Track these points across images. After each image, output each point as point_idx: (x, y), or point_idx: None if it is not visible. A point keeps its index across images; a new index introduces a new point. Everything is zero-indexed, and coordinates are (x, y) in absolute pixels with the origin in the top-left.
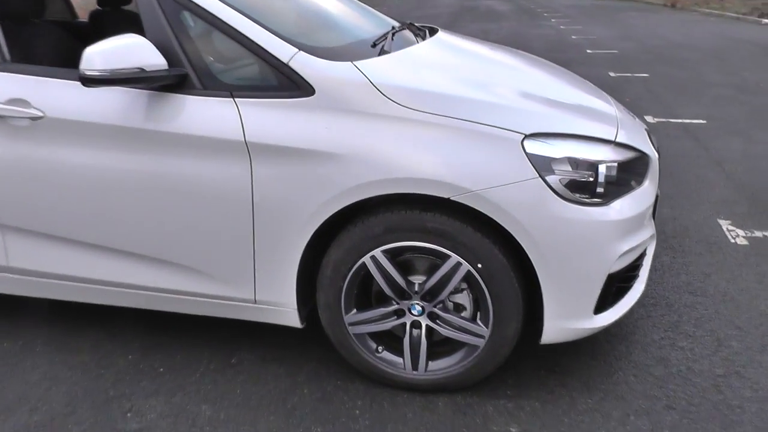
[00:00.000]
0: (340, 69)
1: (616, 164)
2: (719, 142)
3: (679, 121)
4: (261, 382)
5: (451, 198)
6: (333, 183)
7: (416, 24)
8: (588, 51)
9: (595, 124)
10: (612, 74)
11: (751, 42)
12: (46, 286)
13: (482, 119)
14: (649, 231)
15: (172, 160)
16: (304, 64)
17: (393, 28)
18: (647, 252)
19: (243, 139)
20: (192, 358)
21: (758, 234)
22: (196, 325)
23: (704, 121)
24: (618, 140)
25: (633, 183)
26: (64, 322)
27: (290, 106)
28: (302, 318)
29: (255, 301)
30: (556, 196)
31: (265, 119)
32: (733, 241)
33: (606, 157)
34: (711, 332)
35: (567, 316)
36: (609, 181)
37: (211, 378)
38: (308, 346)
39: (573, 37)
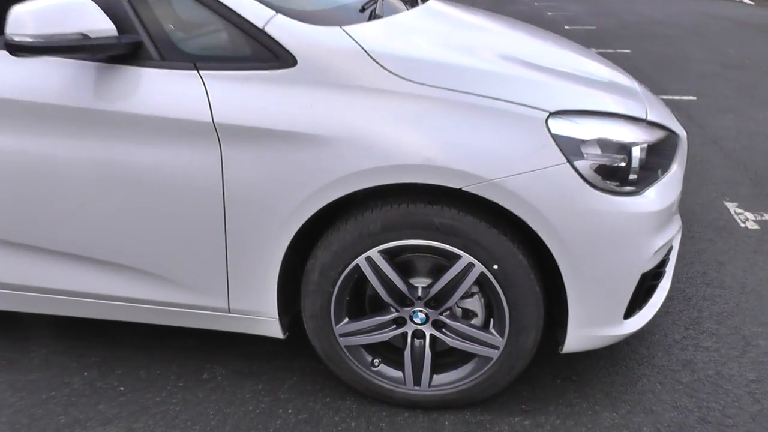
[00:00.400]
0: (327, 35)
1: (646, 146)
2: (712, 119)
3: (669, 97)
4: (237, 402)
5: (464, 189)
6: (319, 172)
7: None
8: (566, 27)
9: (623, 100)
10: (593, 50)
11: (731, 19)
12: None
13: (499, 94)
14: (677, 223)
15: (125, 146)
16: (282, 29)
17: None
18: (674, 245)
19: (210, 120)
20: (158, 374)
21: None
22: (163, 334)
23: (694, 98)
24: (649, 118)
25: (662, 167)
26: (8, 336)
27: (266, 79)
28: (284, 327)
29: (229, 310)
30: (586, 184)
31: (236, 96)
32: (743, 225)
33: (638, 138)
34: (735, 330)
35: (594, 323)
36: (642, 166)
37: (181, 397)
38: (291, 357)
39: (549, 13)
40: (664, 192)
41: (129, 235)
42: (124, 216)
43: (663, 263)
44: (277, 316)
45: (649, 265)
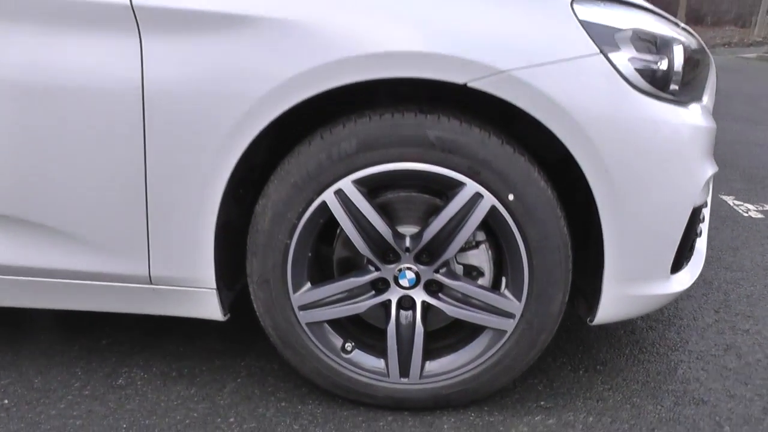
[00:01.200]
0: None
1: (688, 49)
2: None
3: None
4: (160, 411)
5: (470, 84)
6: (269, 69)
7: None
8: None
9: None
10: None
11: None
12: None
13: None
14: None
15: (6, 40)
16: None
17: None
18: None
19: (128, 1)
20: (57, 382)
21: None
22: (67, 331)
23: None
24: (683, 25)
25: (697, 90)
26: None
27: None
28: (225, 305)
29: (150, 279)
30: (624, 82)
31: None
32: (746, 215)
33: (679, 36)
34: None
35: (636, 276)
36: (685, 72)
37: (85, 409)
38: (234, 355)
39: None
40: (705, 114)
41: (8, 167)
42: (1, 137)
43: (701, 217)
44: (215, 284)
45: (700, 199)
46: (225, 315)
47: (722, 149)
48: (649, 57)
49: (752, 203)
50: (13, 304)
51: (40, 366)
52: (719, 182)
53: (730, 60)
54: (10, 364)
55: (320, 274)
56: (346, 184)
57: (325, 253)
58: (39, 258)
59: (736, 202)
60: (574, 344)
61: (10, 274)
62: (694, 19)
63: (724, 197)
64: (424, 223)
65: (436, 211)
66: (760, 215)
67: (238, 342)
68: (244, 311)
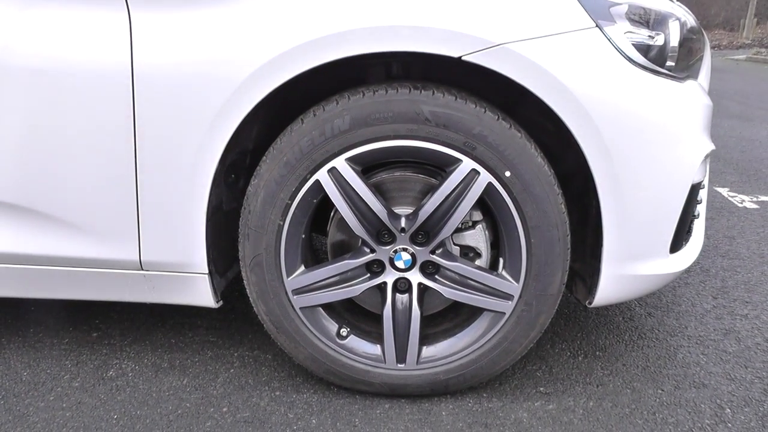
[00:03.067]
0: None
1: (685, 25)
2: None
3: None
4: (152, 402)
5: (464, 57)
6: (257, 44)
7: None
8: None
9: None
10: None
11: None
12: None
13: None
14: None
15: None
16: None
17: None
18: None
19: None
20: (46, 374)
21: (765, 198)
22: (53, 318)
23: None
24: (678, 3)
25: (693, 69)
26: None
27: None
28: (217, 292)
29: (141, 266)
30: (620, 56)
31: None
32: (741, 205)
33: (675, 12)
34: None
35: (635, 255)
36: (682, 48)
37: (74, 400)
38: (227, 345)
39: None
40: (703, 92)
41: None
42: None
43: (698, 197)
44: (207, 269)
45: (699, 175)
46: (218, 302)
47: (716, 144)
48: (645, 32)
49: (746, 194)
50: (1, 294)
51: (29, 359)
52: (714, 175)
53: (721, 62)
54: None
55: (314, 258)
56: (340, 162)
57: (317, 239)
58: (29, 245)
59: (731, 194)
60: (573, 330)
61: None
62: None
63: (719, 189)
64: (419, 204)
65: (430, 190)
66: (755, 205)
67: (231, 333)
68: (236, 302)
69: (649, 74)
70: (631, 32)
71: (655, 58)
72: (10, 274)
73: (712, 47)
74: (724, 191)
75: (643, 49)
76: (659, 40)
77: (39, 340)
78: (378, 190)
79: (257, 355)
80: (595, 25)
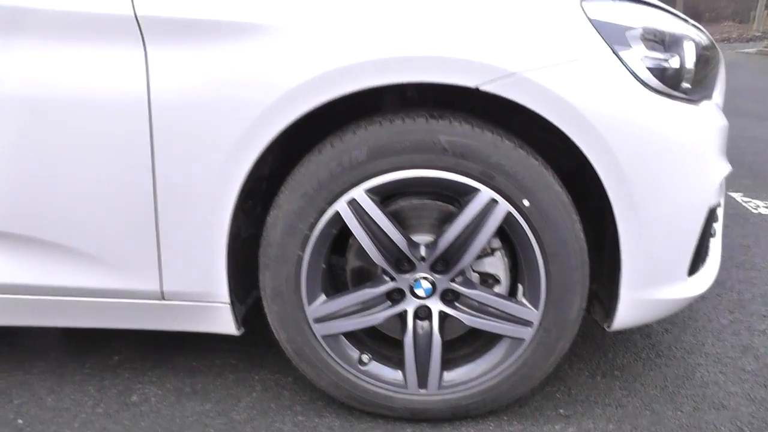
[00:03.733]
0: None
1: (699, 46)
2: None
3: None
4: (176, 428)
5: (482, 87)
6: (274, 77)
7: None
8: None
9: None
10: None
11: None
12: None
13: None
14: (727, 164)
15: (8, 54)
16: None
17: None
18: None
19: (132, 12)
20: (70, 400)
21: None
22: (79, 349)
23: None
24: (692, 22)
25: (708, 88)
26: None
27: None
28: (238, 319)
29: (162, 296)
30: (636, 81)
31: None
32: (756, 211)
33: (689, 33)
34: None
35: (653, 280)
36: (697, 69)
37: (99, 427)
38: (249, 369)
39: None
40: (716, 112)
41: (16, 185)
42: (8, 155)
43: (715, 217)
44: (228, 299)
45: (715, 199)
46: (239, 329)
47: (728, 145)
48: (660, 55)
49: (761, 199)
50: (24, 324)
51: (52, 384)
52: (726, 179)
53: (731, 55)
54: (22, 383)
55: (333, 284)
56: (359, 193)
57: (336, 264)
58: (50, 277)
59: (745, 199)
60: (590, 349)
61: (20, 293)
62: (691, 16)
63: (732, 194)
64: (437, 231)
65: (448, 217)
66: None
67: (251, 356)
68: (255, 324)
69: (664, 98)
70: (646, 56)
71: (670, 81)
72: (33, 305)
73: (722, 40)
74: (737, 196)
75: (659, 72)
76: (674, 63)
77: (61, 364)
78: (395, 217)
79: (278, 378)
80: (610, 50)
